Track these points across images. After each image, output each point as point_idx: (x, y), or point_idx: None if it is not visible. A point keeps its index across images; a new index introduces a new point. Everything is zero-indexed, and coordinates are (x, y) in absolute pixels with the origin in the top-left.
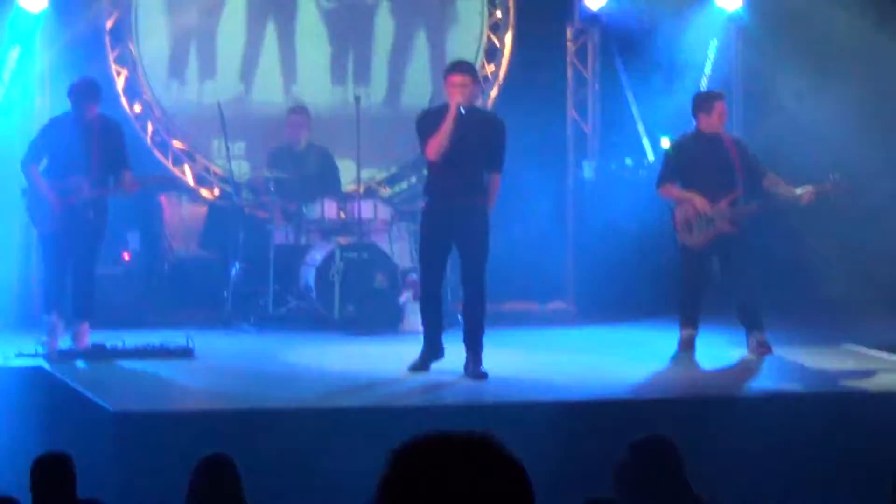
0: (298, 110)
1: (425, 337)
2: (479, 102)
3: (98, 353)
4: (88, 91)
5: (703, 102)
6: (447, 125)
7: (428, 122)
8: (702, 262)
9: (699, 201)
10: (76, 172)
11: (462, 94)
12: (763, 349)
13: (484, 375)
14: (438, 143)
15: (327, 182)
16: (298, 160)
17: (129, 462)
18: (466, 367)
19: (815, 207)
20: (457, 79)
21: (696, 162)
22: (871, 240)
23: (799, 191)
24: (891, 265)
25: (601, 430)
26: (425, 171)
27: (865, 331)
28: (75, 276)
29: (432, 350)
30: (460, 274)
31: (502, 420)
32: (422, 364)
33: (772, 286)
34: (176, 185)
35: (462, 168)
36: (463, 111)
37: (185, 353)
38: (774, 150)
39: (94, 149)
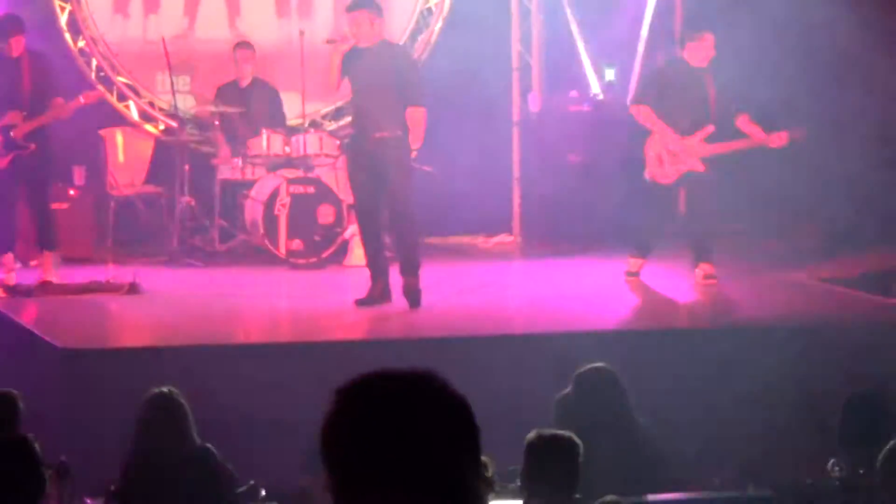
0: (243, 46)
1: (370, 270)
2: (385, 35)
3: (45, 289)
4: (11, 26)
5: (693, 33)
6: (332, 62)
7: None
8: (668, 196)
9: (670, 138)
10: (10, 108)
11: (353, 32)
12: (710, 280)
13: (418, 295)
14: (325, 81)
15: (273, 117)
16: (244, 96)
17: (78, 398)
18: (406, 291)
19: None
20: (355, 16)
21: (674, 91)
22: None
23: (771, 136)
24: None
25: (546, 363)
26: None
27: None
28: (32, 210)
29: (378, 285)
30: (388, 210)
31: (447, 353)
32: (369, 300)
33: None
34: (117, 112)
35: (372, 103)
36: (336, 46)
37: (132, 288)
38: None
39: (25, 82)
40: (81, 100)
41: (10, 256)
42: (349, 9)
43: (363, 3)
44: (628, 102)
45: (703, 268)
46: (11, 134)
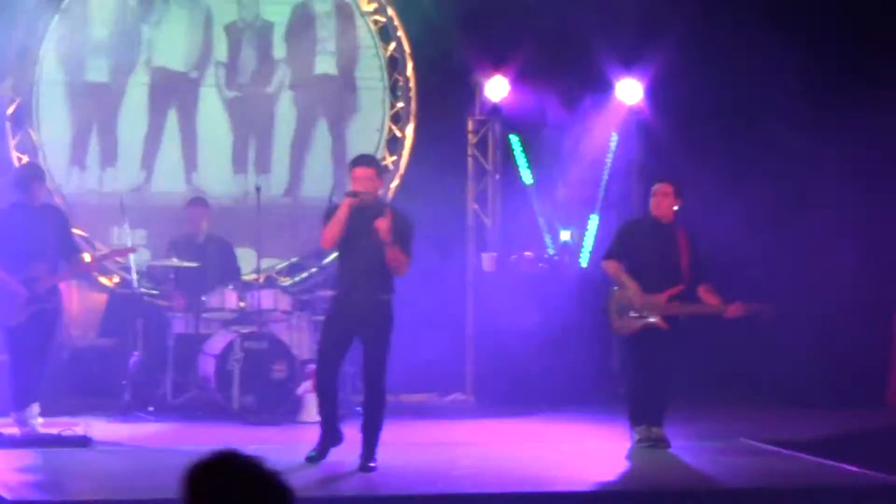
0: (197, 202)
1: (322, 426)
2: (380, 194)
3: None
4: (32, 173)
5: (652, 186)
6: (341, 214)
7: (332, 213)
8: (635, 350)
9: (633, 291)
10: (34, 260)
11: (363, 186)
12: (662, 444)
13: (372, 469)
14: (329, 231)
15: (227, 272)
16: (198, 250)
17: None
18: (362, 457)
19: None
20: (360, 172)
21: (644, 246)
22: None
23: (726, 304)
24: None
25: None
26: (328, 265)
27: (760, 425)
28: (38, 363)
29: (330, 437)
30: (362, 368)
31: None
32: (319, 453)
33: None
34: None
35: (364, 262)
36: (359, 201)
37: (83, 442)
38: None
39: (48, 235)
40: (100, 261)
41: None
42: (359, 164)
43: (372, 161)
44: (600, 256)
45: (654, 431)
46: (37, 288)
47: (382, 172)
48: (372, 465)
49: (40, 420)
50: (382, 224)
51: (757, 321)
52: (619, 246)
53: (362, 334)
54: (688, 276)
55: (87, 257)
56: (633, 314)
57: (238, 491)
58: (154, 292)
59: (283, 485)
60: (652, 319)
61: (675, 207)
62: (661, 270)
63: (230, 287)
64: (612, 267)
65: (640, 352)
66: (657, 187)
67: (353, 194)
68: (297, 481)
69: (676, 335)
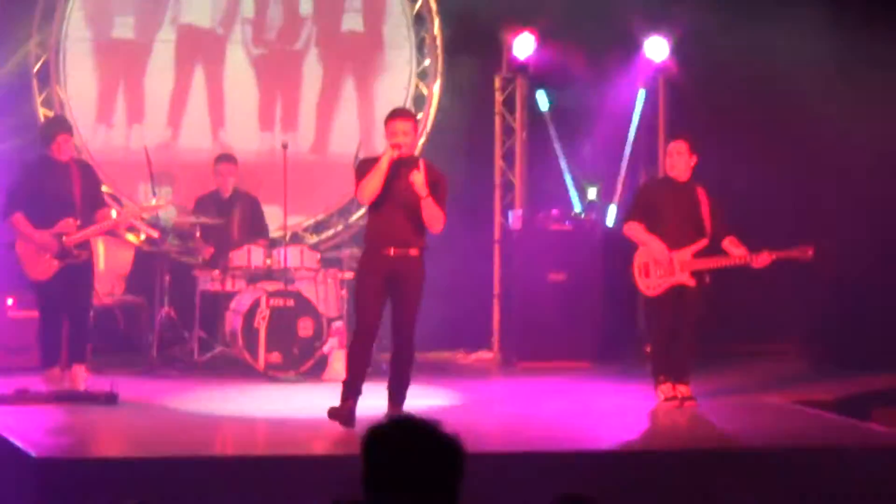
0: (226, 158)
1: (344, 394)
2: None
3: (22, 398)
4: (57, 126)
5: (667, 146)
6: (382, 167)
7: (365, 167)
8: (662, 309)
9: (657, 248)
10: (63, 214)
11: (404, 139)
12: (688, 403)
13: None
14: (368, 185)
15: (254, 228)
16: (225, 207)
17: None
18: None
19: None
20: (400, 125)
21: (664, 206)
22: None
23: (754, 256)
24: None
25: (526, 482)
26: (354, 223)
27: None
28: (74, 320)
29: (354, 397)
30: (391, 324)
31: None
32: (346, 413)
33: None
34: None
35: (398, 216)
36: (400, 154)
37: (110, 398)
38: None
39: (77, 188)
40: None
41: (59, 370)
42: (398, 116)
43: (411, 114)
44: (620, 222)
45: (680, 389)
46: (64, 241)
47: (416, 128)
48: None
49: (83, 380)
50: (418, 178)
51: (790, 264)
52: (639, 208)
53: (394, 290)
54: (710, 232)
55: (114, 213)
56: (659, 273)
57: (416, 456)
58: (180, 248)
59: (459, 447)
60: (679, 277)
61: (692, 164)
62: (683, 228)
63: (257, 242)
64: (633, 229)
65: (667, 310)
66: (671, 146)
67: (396, 147)
68: (322, 438)
69: (702, 291)
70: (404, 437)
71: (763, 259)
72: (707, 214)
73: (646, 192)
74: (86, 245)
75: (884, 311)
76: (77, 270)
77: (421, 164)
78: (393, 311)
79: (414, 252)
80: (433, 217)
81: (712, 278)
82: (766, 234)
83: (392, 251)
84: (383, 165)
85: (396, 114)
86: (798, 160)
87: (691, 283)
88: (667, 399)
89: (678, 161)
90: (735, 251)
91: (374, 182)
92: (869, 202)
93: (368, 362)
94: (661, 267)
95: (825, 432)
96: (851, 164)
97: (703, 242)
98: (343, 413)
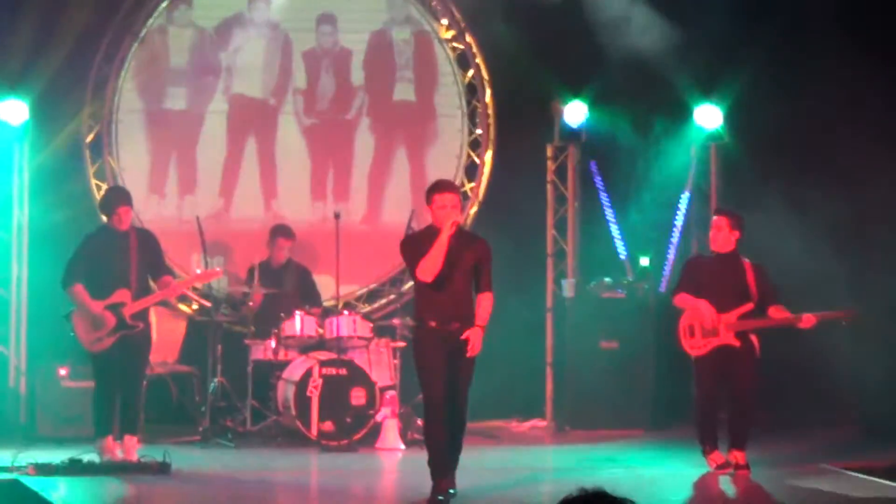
0: (283, 232)
1: (435, 474)
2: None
3: (75, 468)
4: (119, 197)
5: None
6: (441, 244)
7: (415, 244)
8: (706, 371)
9: (705, 309)
10: (119, 286)
11: (453, 213)
12: (741, 472)
13: (453, 496)
14: (433, 263)
15: (306, 297)
16: (277, 276)
17: None
18: None
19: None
20: (448, 198)
21: (710, 276)
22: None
23: (801, 316)
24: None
25: None
26: (406, 291)
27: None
28: (127, 391)
29: (447, 483)
30: (446, 392)
31: None
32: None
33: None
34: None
35: (453, 290)
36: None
37: (162, 468)
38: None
39: (133, 260)
40: (188, 285)
41: (112, 441)
42: (447, 189)
43: (456, 187)
44: (668, 293)
45: (735, 455)
46: (122, 313)
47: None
48: (453, 490)
49: (138, 451)
50: (474, 345)
51: (840, 329)
52: (687, 280)
53: (452, 363)
54: (756, 297)
55: (172, 282)
56: (703, 333)
57: None
58: (232, 319)
59: None
60: (724, 338)
61: (733, 238)
62: (727, 295)
63: (309, 312)
64: (681, 297)
65: (711, 372)
66: (714, 221)
67: (455, 224)
68: None
69: (748, 353)
70: None
71: (808, 320)
72: (752, 281)
73: (692, 266)
74: (142, 315)
75: None
76: (133, 341)
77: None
78: (450, 381)
79: (468, 324)
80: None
81: (762, 347)
82: (817, 300)
83: (454, 326)
84: (444, 241)
85: (446, 187)
86: (847, 225)
87: (736, 343)
88: (718, 467)
89: (717, 236)
90: (780, 315)
91: (436, 260)
92: None
93: (446, 435)
94: (706, 327)
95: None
96: None
97: (749, 306)
98: (438, 496)
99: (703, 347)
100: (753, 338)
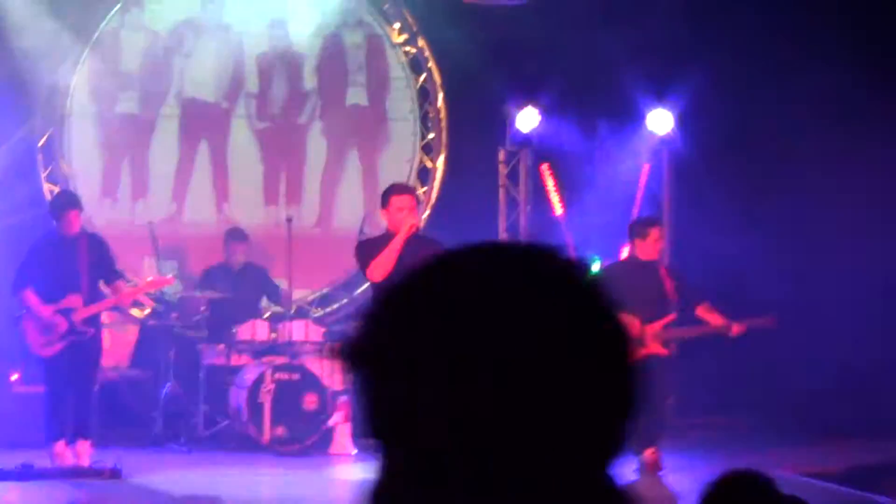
0: (236, 235)
1: None
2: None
3: (27, 473)
4: (66, 201)
5: (639, 228)
6: (395, 245)
7: (370, 246)
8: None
9: (632, 323)
10: (69, 290)
11: (411, 216)
12: (654, 469)
13: None
14: (384, 263)
15: (268, 295)
16: (234, 280)
17: None
18: None
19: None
20: (405, 201)
21: (629, 289)
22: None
23: (731, 323)
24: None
25: None
26: (359, 296)
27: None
28: (79, 396)
29: None
30: None
31: None
32: None
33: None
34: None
35: None
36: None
37: (114, 473)
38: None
39: (83, 264)
40: (143, 290)
41: (64, 446)
42: (404, 191)
43: (414, 190)
44: None
45: (648, 455)
46: (72, 318)
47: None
48: None
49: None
50: None
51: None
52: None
53: None
54: (676, 303)
55: (124, 287)
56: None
57: None
58: (185, 323)
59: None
60: (651, 348)
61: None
62: (652, 305)
63: (265, 315)
64: None
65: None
66: (656, 232)
67: (414, 226)
68: None
69: (674, 361)
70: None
71: (739, 327)
72: (670, 287)
73: (612, 276)
74: (93, 320)
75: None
76: (84, 346)
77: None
78: None
79: None
80: None
81: (714, 354)
82: (767, 300)
83: None
84: (398, 242)
85: (405, 189)
86: (797, 225)
87: (664, 352)
88: (635, 469)
89: (655, 246)
90: (712, 318)
91: (388, 261)
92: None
93: None
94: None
95: None
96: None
97: (672, 316)
98: None
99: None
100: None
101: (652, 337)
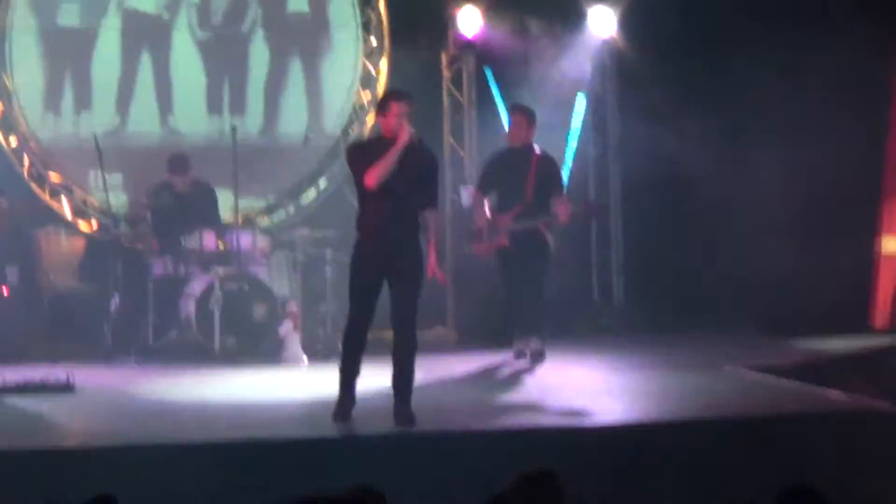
0: (181, 165)
1: (344, 383)
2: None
3: None
4: None
5: (511, 113)
6: (394, 154)
7: (365, 151)
8: (498, 267)
9: (478, 217)
10: None
11: (406, 122)
12: (539, 357)
13: (414, 420)
14: (382, 171)
15: (206, 216)
16: (180, 198)
17: (8, 501)
18: (396, 412)
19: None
20: (405, 107)
21: (500, 173)
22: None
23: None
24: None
25: (484, 460)
26: (306, 205)
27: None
28: None
29: (350, 398)
30: (392, 313)
31: (374, 452)
32: (342, 415)
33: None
34: (53, 217)
35: (395, 203)
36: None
37: (66, 388)
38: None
39: None
40: (22, 211)
41: None
42: (406, 97)
43: (411, 96)
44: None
45: (533, 342)
46: None
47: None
48: (412, 414)
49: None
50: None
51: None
52: (484, 176)
53: (394, 278)
54: (531, 195)
55: None
56: (483, 237)
57: None
58: (132, 235)
59: None
60: (500, 240)
61: (531, 134)
62: (513, 193)
63: (209, 228)
64: (474, 195)
65: (500, 271)
66: (511, 117)
67: (413, 135)
68: (280, 422)
69: (525, 252)
70: None
71: (564, 211)
72: (532, 179)
73: (492, 161)
74: None
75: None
76: None
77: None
78: (394, 299)
79: (413, 239)
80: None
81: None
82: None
83: (392, 238)
84: (398, 149)
85: (403, 95)
86: (735, 126)
87: (505, 244)
88: (515, 352)
89: (516, 131)
90: (559, 211)
91: (388, 166)
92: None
93: (360, 360)
94: (486, 230)
95: (788, 400)
96: (797, 126)
97: (520, 207)
98: (343, 418)
99: (485, 250)
100: (544, 232)
101: (497, 229)
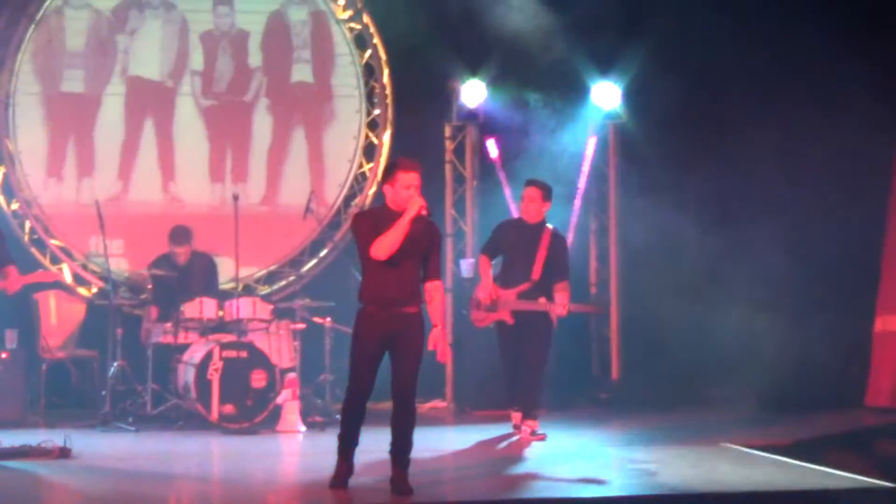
0: (181, 238)
1: (343, 452)
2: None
3: None
4: None
5: (524, 189)
6: (403, 225)
7: (371, 219)
8: (497, 339)
9: (482, 288)
10: None
11: (407, 196)
12: (537, 437)
13: (411, 491)
14: (391, 242)
15: (207, 287)
16: (180, 268)
17: None
18: (394, 482)
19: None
20: (412, 178)
21: (511, 245)
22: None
23: (554, 305)
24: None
25: None
26: (305, 273)
27: (740, 430)
28: None
29: (348, 467)
30: (392, 383)
31: None
32: (340, 484)
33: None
34: (59, 284)
35: (401, 272)
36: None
37: (63, 453)
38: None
39: None
40: (33, 279)
41: None
42: (416, 167)
43: (419, 166)
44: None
45: (529, 424)
46: None
47: None
48: (410, 486)
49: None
50: (442, 351)
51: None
52: (493, 243)
53: (396, 349)
54: (540, 274)
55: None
56: (484, 308)
57: None
58: (132, 302)
59: None
60: (500, 314)
61: (543, 209)
62: (520, 267)
63: (209, 296)
64: (481, 261)
65: (500, 343)
66: (524, 192)
67: (424, 208)
68: (276, 492)
69: (527, 329)
70: None
71: (559, 310)
72: (542, 257)
73: (501, 230)
74: None
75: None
76: None
77: (439, 330)
78: (395, 370)
79: (416, 310)
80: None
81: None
82: (710, 279)
83: (395, 309)
84: (406, 222)
85: (412, 166)
86: (743, 203)
87: (509, 321)
88: (514, 426)
89: (529, 206)
90: (558, 297)
91: (397, 239)
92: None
93: (360, 429)
94: (484, 302)
95: (785, 477)
96: (800, 201)
97: (527, 284)
98: (343, 475)
99: (484, 321)
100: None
101: (501, 303)
